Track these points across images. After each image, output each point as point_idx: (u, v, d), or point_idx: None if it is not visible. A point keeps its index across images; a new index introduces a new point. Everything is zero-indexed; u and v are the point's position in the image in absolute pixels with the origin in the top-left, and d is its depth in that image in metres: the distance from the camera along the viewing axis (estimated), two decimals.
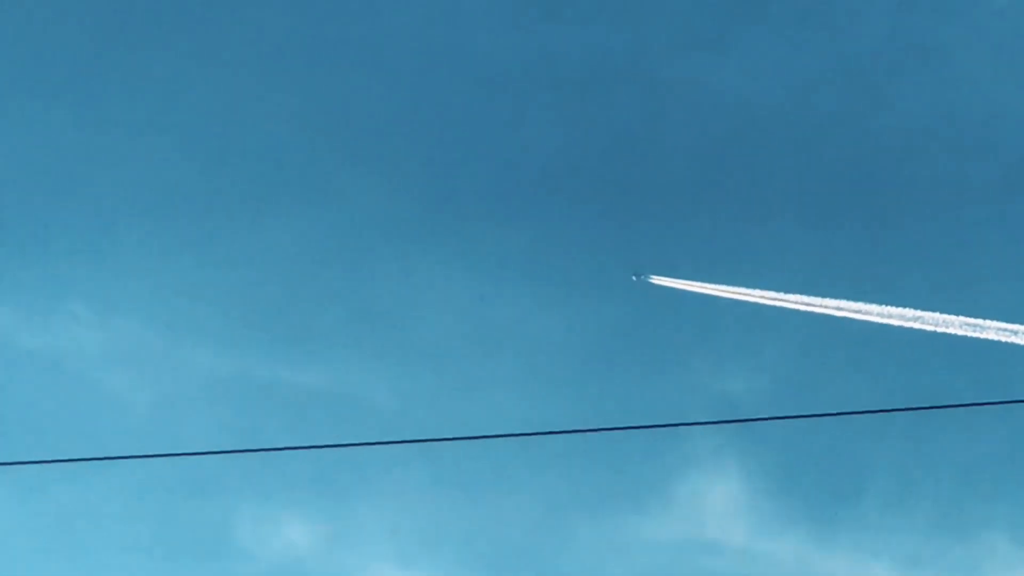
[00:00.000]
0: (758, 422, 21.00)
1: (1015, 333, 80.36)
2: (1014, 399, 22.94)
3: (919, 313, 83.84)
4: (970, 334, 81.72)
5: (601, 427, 20.47)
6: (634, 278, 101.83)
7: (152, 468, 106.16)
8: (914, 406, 22.20)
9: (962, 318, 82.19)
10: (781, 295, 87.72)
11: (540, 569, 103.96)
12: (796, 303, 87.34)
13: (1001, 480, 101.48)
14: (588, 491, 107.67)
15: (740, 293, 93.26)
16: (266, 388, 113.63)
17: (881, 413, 21.35)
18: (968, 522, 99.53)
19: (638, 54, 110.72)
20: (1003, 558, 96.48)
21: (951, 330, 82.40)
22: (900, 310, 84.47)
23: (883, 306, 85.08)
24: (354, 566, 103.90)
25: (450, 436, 21.85)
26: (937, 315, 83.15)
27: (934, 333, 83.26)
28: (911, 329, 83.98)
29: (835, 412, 21.94)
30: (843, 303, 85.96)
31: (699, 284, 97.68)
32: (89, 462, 22.66)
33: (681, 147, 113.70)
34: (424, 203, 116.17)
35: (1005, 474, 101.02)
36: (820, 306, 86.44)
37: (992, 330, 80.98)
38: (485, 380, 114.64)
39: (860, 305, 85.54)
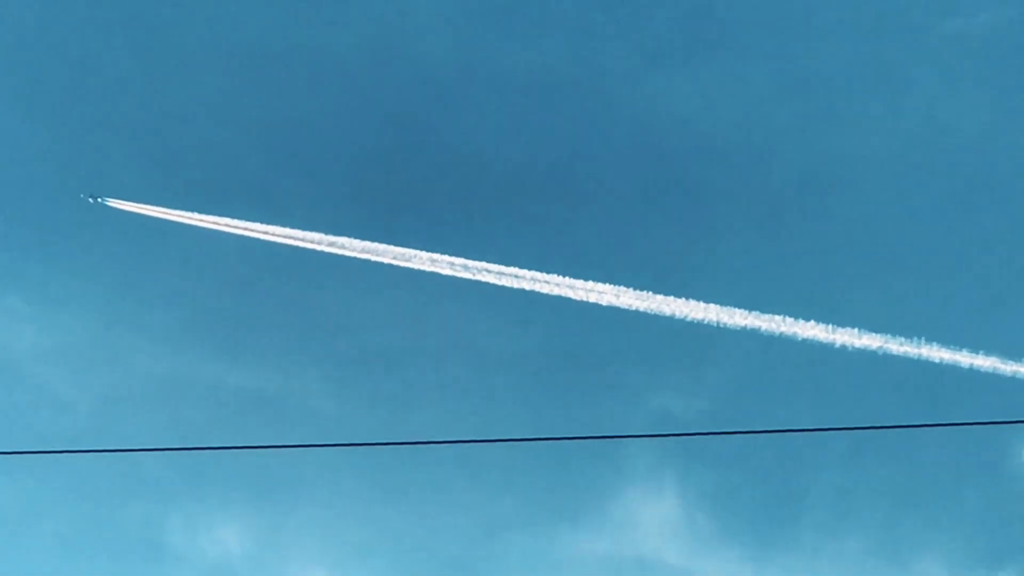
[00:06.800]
0: (696, 437, 20.99)
1: (959, 355, 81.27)
2: (955, 422, 23.06)
3: (862, 333, 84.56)
4: (914, 354, 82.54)
5: (536, 437, 20.34)
6: (89, 200, 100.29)
7: (86, 465, 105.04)
8: (854, 426, 22.24)
9: (905, 339, 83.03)
10: (727, 310, 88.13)
11: None
12: (741, 319, 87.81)
13: (939, 504, 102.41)
14: (524, 504, 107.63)
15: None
16: (206, 389, 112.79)
17: (820, 432, 21.38)
18: (904, 547, 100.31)
19: (592, 69, 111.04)
20: None
21: (894, 349, 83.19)
22: (844, 329, 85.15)
23: (827, 325, 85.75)
24: (285, 570, 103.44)
25: (387, 441, 21.64)
26: (880, 336, 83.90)
27: (877, 353, 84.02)
28: (853, 349, 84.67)
29: (774, 429, 21.92)
30: (787, 321, 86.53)
31: (157, 208, 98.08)
32: (21, 456, 22.18)
33: (631, 161, 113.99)
34: (370, 209, 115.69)
35: (944, 498, 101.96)
36: (765, 322, 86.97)
37: (936, 352, 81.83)
38: (426, 389, 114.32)
39: (804, 324, 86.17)
